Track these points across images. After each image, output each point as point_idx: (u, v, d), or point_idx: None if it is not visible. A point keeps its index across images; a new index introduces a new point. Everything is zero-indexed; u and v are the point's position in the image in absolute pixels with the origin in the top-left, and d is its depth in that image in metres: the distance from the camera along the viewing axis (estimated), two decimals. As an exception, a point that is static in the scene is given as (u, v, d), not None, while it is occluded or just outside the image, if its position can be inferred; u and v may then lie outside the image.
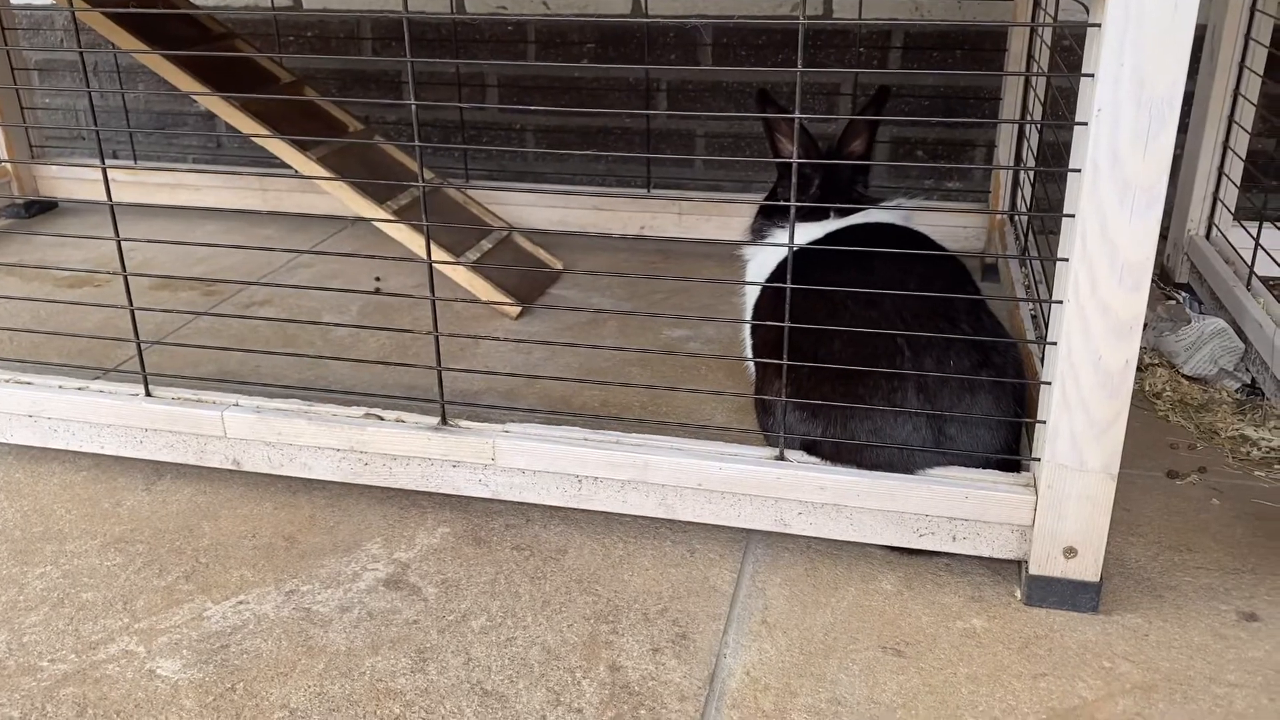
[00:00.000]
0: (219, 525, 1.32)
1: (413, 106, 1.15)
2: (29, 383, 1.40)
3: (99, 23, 1.88)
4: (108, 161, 2.63)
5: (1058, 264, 1.08)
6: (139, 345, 1.36)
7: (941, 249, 1.36)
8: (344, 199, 1.90)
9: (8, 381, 1.40)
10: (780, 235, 1.44)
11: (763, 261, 1.44)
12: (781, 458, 1.20)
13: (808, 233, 1.39)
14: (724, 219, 2.16)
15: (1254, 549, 1.26)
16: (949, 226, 2.06)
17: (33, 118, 2.64)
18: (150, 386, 1.37)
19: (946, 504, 1.16)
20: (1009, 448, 1.22)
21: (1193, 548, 1.26)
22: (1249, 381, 1.59)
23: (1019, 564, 1.19)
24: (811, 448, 1.21)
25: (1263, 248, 1.69)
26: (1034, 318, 1.59)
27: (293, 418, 1.31)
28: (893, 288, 1.22)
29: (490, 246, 1.99)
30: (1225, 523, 1.31)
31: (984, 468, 1.18)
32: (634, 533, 1.29)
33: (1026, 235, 1.79)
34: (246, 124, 1.87)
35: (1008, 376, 1.21)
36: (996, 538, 1.17)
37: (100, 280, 2.10)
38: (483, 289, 1.88)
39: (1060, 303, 1.07)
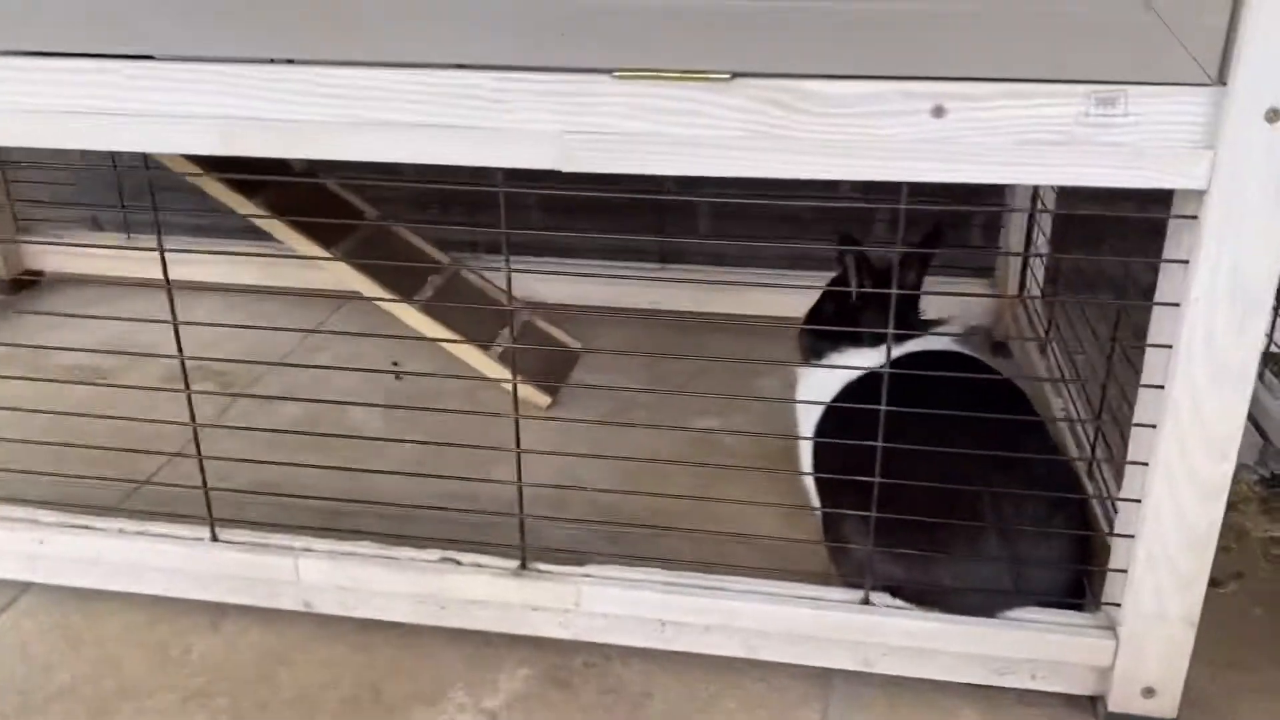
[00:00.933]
0: (297, 673, 1.31)
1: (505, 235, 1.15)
2: (88, 526, 1.37)
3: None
4: (97, 235, 2.57)
5: (1135, 427, 1.13)
6: (206, 490, 1.34)
7: (996, 372, 1.40)
8: (366, 291, 1.88)
9: (66, 526, 1.38)
10: (840, 360, 1.47)
11: (823, 383, 1.46)
12: (867, 601, 1.24)
13: (866, 358, 1.42)
14: (739, 293, 2.18)
15: (1304, 665, 1.32)
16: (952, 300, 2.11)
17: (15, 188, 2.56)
18: (216, 529, 1.35)
19: (1029, 648, 1.20)
20: (1079, 582, 1.27)
21: (1249, 666, 1.32)
22: (1268, 475, 1.66)
23: (1094, 699, 1.24)
24: (892, 585, 1.25)
25: None
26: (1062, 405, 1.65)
27: (368, 564, 1.30)
28: (966, 420, 1.25)
29: (517, 334, 1.99)
30: (1272, 635, 1.37)
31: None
32: (715, 671, 1.31)
33: (1050, 322, 1.84)
34: (275, 226, 1.85)
35: (1074, 506, 1.26)
36: (1075, 677, 1.22)
37: (107, 370, 2.05)
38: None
39: (1144, 465, 1.11)
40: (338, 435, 1.81)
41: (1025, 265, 2.04)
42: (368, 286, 1.87)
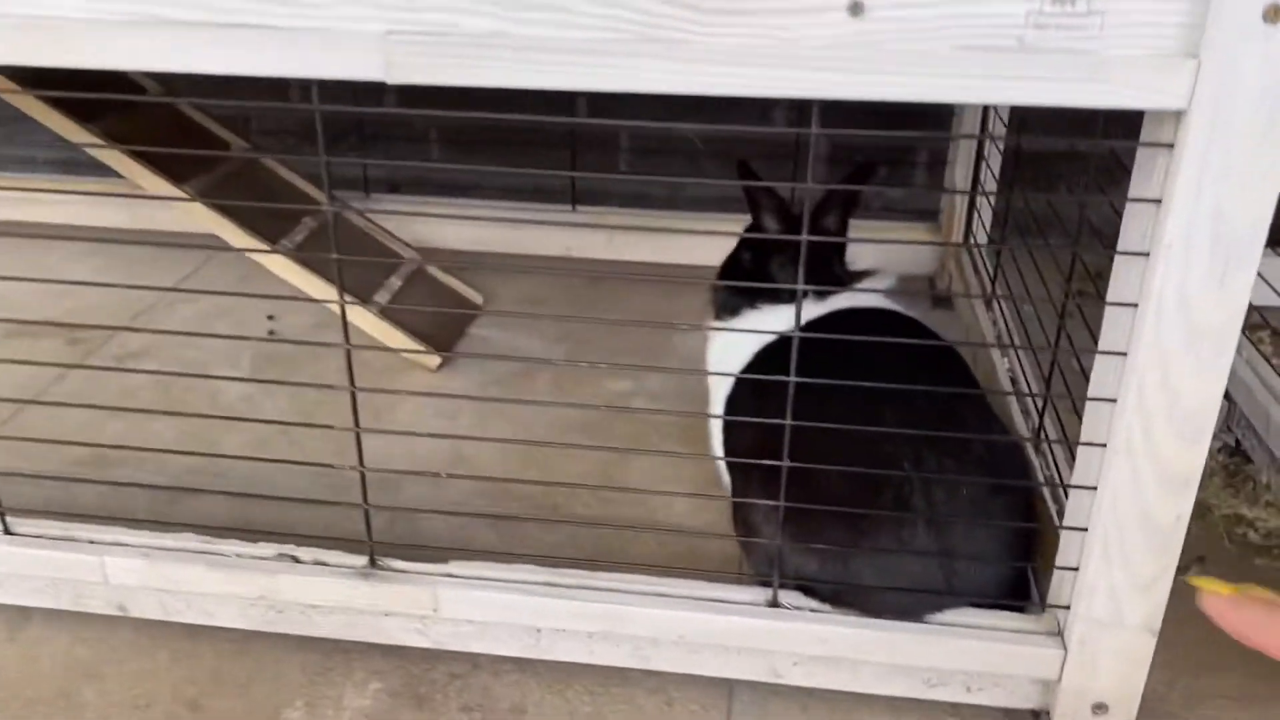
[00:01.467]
0: (105, 689, 1.10)
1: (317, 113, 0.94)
2: None
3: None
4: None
5: (1091, 402, 0.94)
6: (-9, 476, 1.12)
7: (938, 336, 1.21)
8: (231, 240, 1.65)
9: None
10: (756, 318, 1.27)
11: (735, 344, 1.26)
12: (775, 603, 1.05)
13: (783, 318, 1.22)
14: (660, 241, 1.97)
15: (1275, 666, 1.16)
16: (892, 248, 1.93)
17: None
18: (9, 521, 1.13)
19: (962, 658, 1.02)
20: (1022, 580, 1.09)
21: (1213, 666, 1.15)
22: (1233, 443, 1.50)
23: (1037, 714, 1.07)
24: (805, 583, 1.06)
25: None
26: (1010, 376, 1.47)
27: (189, 563, 1.09)
28: (896, 393, 1.06)
29: (400, 284, 1.77)
30: (1237, 631, 1.21)
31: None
32: (601, 682, 1.12)
33: (996, 274, 1.65)
34: (116, 158, 1.60)
35: (1017, 492, 1.08)
36: (1016, 690, 1.04)
37: (-60, 324, 1.80)
38: (397, 338, 1.67)
39: (1101, 446, 0.93)
40: (168, 413, 1.58)
41: (971, 207, 1.84)
42: (228, 230, 1.63)
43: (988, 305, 1.65)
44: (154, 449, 1.36)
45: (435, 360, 1.68)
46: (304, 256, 1.64)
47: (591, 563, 1.09)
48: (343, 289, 0.97)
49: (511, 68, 0.83)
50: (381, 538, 1.10)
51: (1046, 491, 1.15)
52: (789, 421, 0.96)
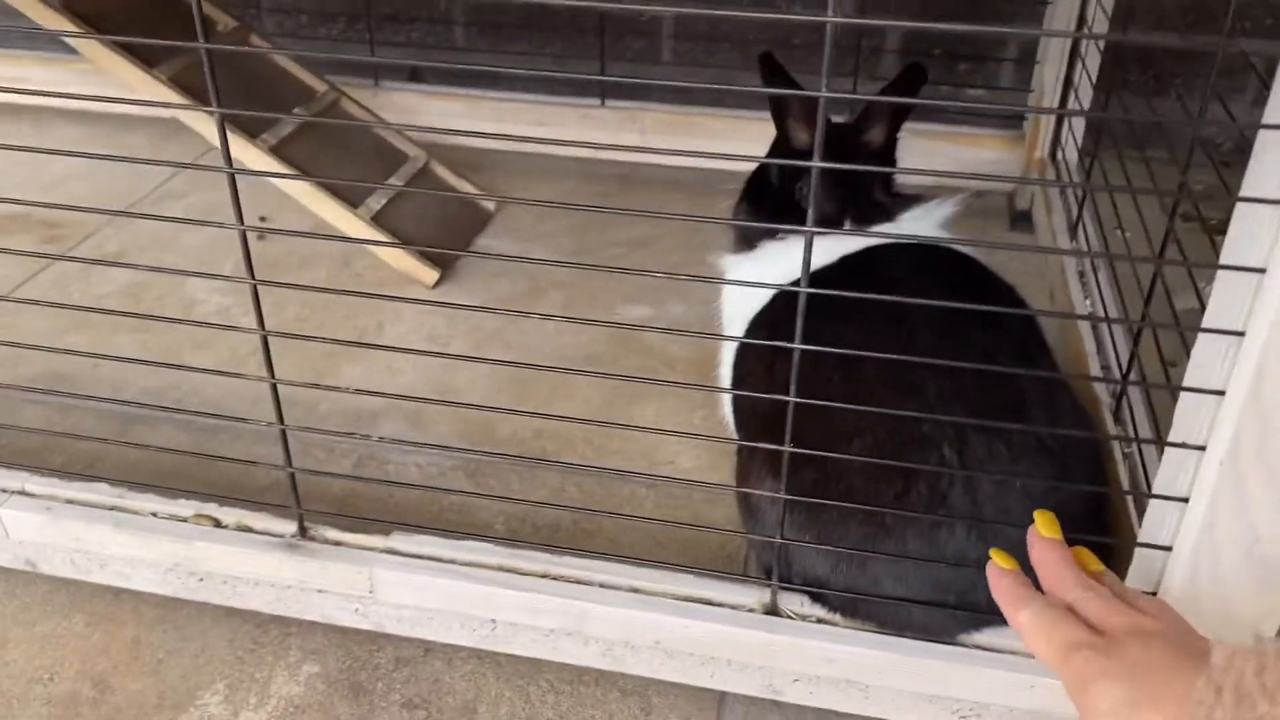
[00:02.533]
0: (6, 656, 0.97)
1: None
2: None
3: None
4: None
5: (1185, 392, 0.72)
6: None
7: (998, 281, 0.98)
8: (205, 133, 1.46)
9: None
10: (777, 252, 1.05)
11: (753, 277, 1.05)
12: (774, 610, 0.86)
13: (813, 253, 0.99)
14: (699, 140, 1.74)
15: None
16: (968, 157, 1.67)
17: None
18: (-98, 459, 0.99)
19: (1003, 693, 0.83)
20: None
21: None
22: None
23: (1092, 756, 0.87)
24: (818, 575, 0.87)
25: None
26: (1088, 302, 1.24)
27: (94, 522, 0.94)
28: (939, 355, 0.84)
29: (402, 184, 1.58)
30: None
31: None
32: (568, 679, 0.95)
33: (1085, 196, 1.39)
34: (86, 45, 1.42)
35: (1086, 490, 0.86)
36: (1067, 730, 0.85)
37: (-88, 215, 1.67)
38: (389, 251, 1.48)
39: (1199, 449, 0.71)
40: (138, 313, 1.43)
41: (1060, 118, 1.57)
42: (203, 123, 1.45)
43: (1072, 232, 1.40)
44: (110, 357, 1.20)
45: (432, 275, 1.49)
46: (287, 147, 1.46)
47: (551, 546, 0.91)
48: (240, 216, 0.78)
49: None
50: (355, 470, 0.93)
51: (1125, 477, 0.93)
52: (792, 399, 0.75)
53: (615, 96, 1.80)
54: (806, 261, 0.71)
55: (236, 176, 0.77)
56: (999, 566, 0.74)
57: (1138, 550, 0.78)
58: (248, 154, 1.43)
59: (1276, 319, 0.63)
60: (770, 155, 1.10)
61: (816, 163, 0.68)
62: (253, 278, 0.79)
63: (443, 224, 1.59)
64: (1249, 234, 0.66)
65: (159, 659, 0.97)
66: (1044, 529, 0.75)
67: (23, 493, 0.97)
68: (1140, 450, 0.92)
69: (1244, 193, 0.66)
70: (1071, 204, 1.43)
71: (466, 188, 1.65)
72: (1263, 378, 0.65)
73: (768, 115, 1.78)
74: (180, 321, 0.90)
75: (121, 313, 0.89)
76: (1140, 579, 0.79)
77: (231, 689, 0.94)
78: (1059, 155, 1.59)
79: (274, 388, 0.84)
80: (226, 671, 0.96)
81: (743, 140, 1.72)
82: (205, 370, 0.86)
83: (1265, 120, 0.63)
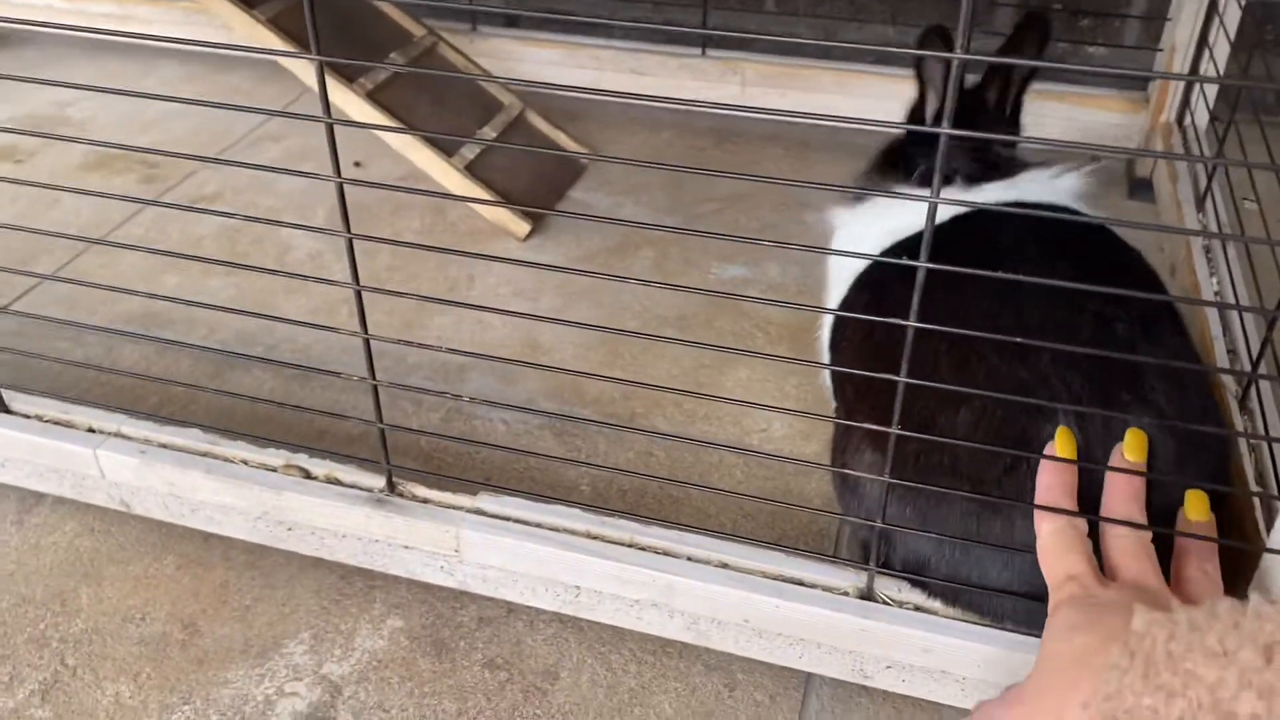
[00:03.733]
0: (101, 593, 0.99)
1: None
2: None
3: None
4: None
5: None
6: (-19, 348, 0.98)
7: (1119, 244, 0.91)
8: (303, 76, 1.46)
9: None
10: (886, 205, 1.00)
11: (860, 239, 1.00)
12: (869, 595, 0.83)
13: (913, 212, 0.94)
14: (801, 94, 1.68)
15: None
16: (1086, 119, 1.58)
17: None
18: (5, 397, 1.01)
19: (1109, 694, 0.78)
20: None
21: None
22: None
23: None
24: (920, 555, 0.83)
25: None
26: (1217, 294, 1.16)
27: (187, 467, 0.94)
28: (1055, 328, 0.80)
29: (495, 135, 1.55)
30: None
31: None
32: (651, 649, 0.94)
33: (1214, 168, 1.31)
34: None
35: (1209, 480, 0.81)
36: (1175, 736, 0.80)
37: (24, 152, 1.70)
38: (481, 199, 1.46)
39: (1350, 452, 0.65)
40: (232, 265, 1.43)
41: (1196, 66, 1.48)
42: (298, 65, 1.44)
43: (1200, 204, 1.32)
44: (204, 304, 1.21)
45: (524, 227, 1.47)
46: (382, 100, 1.44)
47: (639, 516, 0.89)
48: (338, 168, 0.76)
49: None
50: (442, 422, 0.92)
51: (1250, 469, 0.88)
52: (902, 379, 0.71)
53: (716, 45, 1.74)
54: (928, 236, 0.67)
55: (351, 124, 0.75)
56: (1054, 452, 0.75)
57: (1265, 556, 0.73)
58: (345, 99, 1.42)
59: None
60: (906, 118, 1.04)
61: (946, 129, 0.63)
62: (348, 231, 0.78)
63: (536, 175, 1.57)
64: None
65: (246, 605, 0.98)
66: (1130, 451, 0.75)
67: (119, 434, 0.98)
68: (1271, 449, 0.86)
69: None
70: (1200, 173, 1.35)
71: (561, 138, 1.62)
72: None
73: (872, 68, 1.72)
74: (273, 272, 0.88)
75: (216, 260, 0.87)
76: (1268, 587, 0.74)
77: (316, 639, 0.94)
78: (1187, 119, 1.50)
79: (366, 343, 0.82)
80: (311, 621, 0.96)
81: (846, 94, 1.66)
82: (298, 322, 0.84)
83: None
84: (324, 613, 0.97)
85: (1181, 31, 1.47)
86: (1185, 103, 1.50)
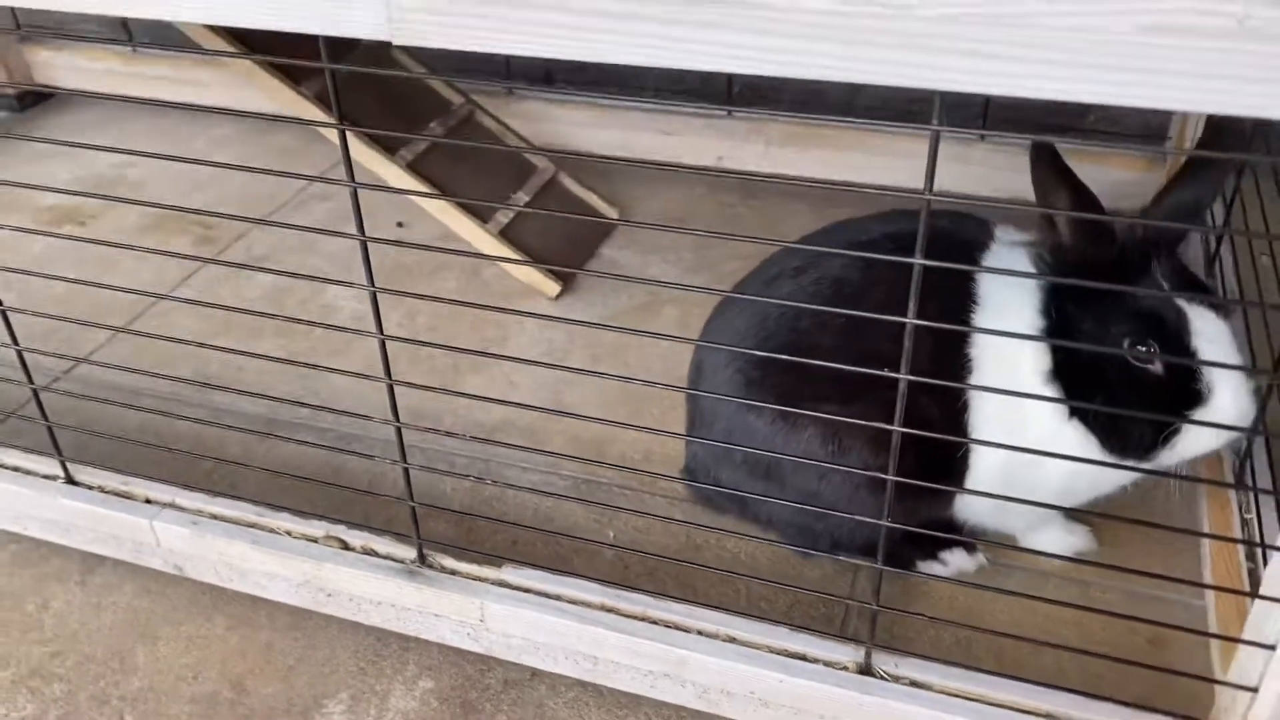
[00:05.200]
0: (157, 653, 1.06)
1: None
2: (-68, 450, 1.14)
3: None
4: (97, 45, 2.26)
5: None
6: (52, 430, 1.06)
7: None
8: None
9: (-94, 448, 1.14)
10: None
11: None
12: (868, 669, 0.88)
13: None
14: (824, 152, 1.74)
15: None
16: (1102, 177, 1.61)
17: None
18: (70, 469, 1.09)
19: (1094, 769, 0.83)
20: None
21: None
22: None
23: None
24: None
25: None
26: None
27: (235, 538, 1.02)
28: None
29: (528, 199, 1.62)
30: None
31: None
32: (666, 714, 0.99)
33: (1226, 222, 1.34)
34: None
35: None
36: (1160, 810, 0.84)
37: (87, 215, 1.80)
38: (515, 264, 1.53)
39: (1310, 554, 0.70)
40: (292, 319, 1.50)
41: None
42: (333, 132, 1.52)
43: (1209, 267, 1.36)
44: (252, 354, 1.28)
45: (554, 287, 1.53)
46: (423, 160, 1.52)
47: (652, 593, 0.94)
48: (361, 227, 0.83)
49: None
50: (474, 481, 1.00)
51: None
52: (898, 428, 0.76)
53: (742, 104, 1.80)
54: (922, 236, 0.72)
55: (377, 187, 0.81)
56: None
57: (1242, 647, 0.77)
58: (387, 170, 1.50)
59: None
60: None
61: (928, 195, 0.68)
62: (372, 285, 0.84)
63: (567, 235, 1.63)
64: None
65: (290, 665, 1.05)
66: None
67: (173, 505, 1.06)
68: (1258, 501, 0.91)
69: None
70: (1210, 235, 1.38)
71: (592, 199, 1.69)
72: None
73: (893, 128, 1.75)
74: (298, 321, 0.98)
75: (252, 311, 0.95)
76: (1241, 672, 0.78)
77: (354, 700, 1.01)
78: (1201, 179, 1.52)
79: (399, 431, 0.89)
80: (350, 681, 1.03)
81: (868, 152, 1.71)
82: (326, 369, 0.92)
83: None
84: (361, 673, 1.04)
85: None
86: (1200, 162, 1.52)
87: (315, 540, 1.01)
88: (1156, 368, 0.89)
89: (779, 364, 0.98)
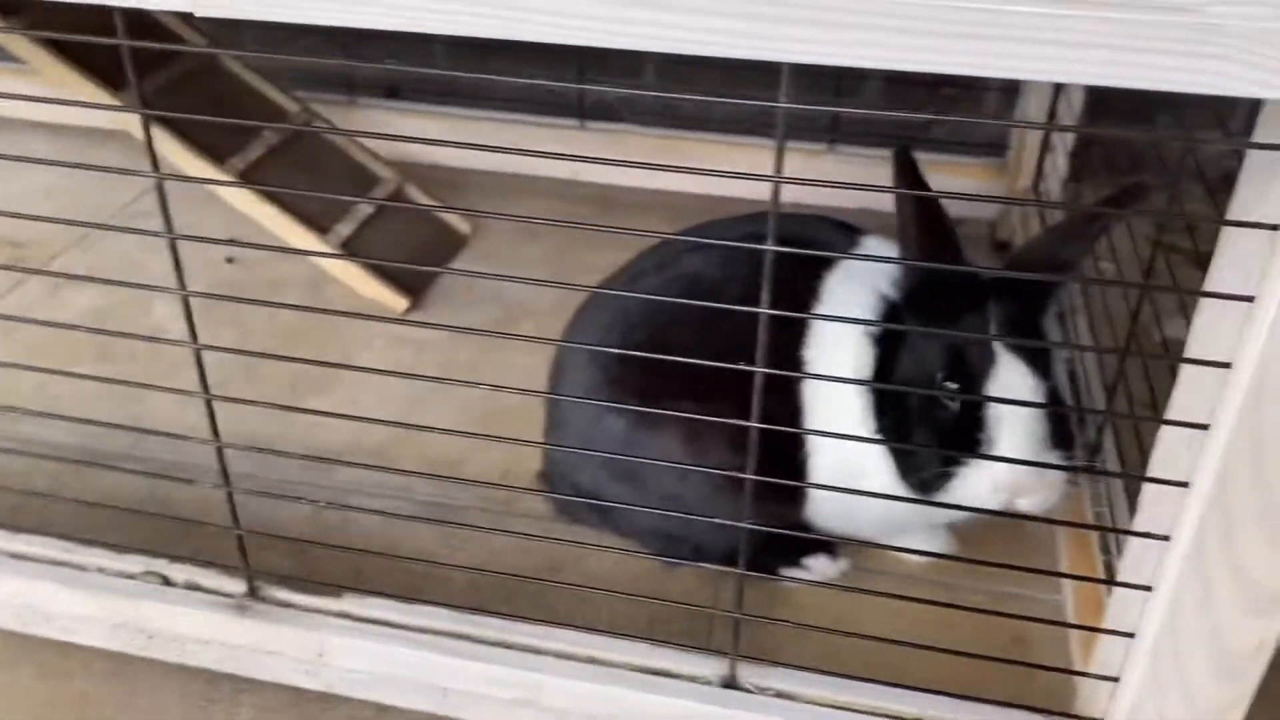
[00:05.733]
0: (-50, 712, 0.95)
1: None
2: None
3: None
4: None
5: (1149, 483, 0.70)
6: None
7: None
8: (173, 157, 1.44)
9: None
10: None
11: None
12: (733, 682, 0.84)
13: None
14: (679, 164, 1.71)
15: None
16: (950, 186, 1.64)
17: None
18: None
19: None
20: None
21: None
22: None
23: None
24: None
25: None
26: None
27: (40, 577, 0.92)
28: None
29: (372, 211, 1.55)
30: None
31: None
32: (528, 745, 0.93)
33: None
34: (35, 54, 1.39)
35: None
36: (1030, 810, 0.83)
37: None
38: (359, 278, 1.46)
39: (1163, 539, 0.69)
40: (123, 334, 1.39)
41: (1045, 143, 1.55)
42: (169, 146, 1.42)
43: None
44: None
45: (401, 302, 1.46)
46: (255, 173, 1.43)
47: (505, 615, 0.89)
48: (169, 224, 0.76)
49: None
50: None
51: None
52: (754, 423, 0.73)
53: (595, 118, 1.77)
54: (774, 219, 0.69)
55: (207, 202, 0.74)
56: None
57: (1103, 636, 0.77)
58: (216, 178, 1.41)
59: (1245, 414, 0.61)
60: None
61: (778, 178, 0.65)
62: (183, 287, 0.77)
63: (414, 250, 1.57)
64: (1212, 324, 0.64)
65: (108, 716, 0.95)
66: None
67: (-34, 546, 0.95)
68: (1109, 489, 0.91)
69: (1231, 215, 0.63)
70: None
71: (443, 212, 1.63)
72: (1227, 474, 0.63)
73: (751, 140, 1.75)
74: (102, 333, 0.88)
75: (66, 325, 0.86)
76: (1102, 662, 0.77)
77: (180, 749, 0.92)
78: (1041, 186, 1.57)
79: (219, 451, 0.82)
80: (176, 730, 0.94)
81: (724, 165, 1.69)
82: (138, 384, 0.84)
83: (1255, 139, 0.60)
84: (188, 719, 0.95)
85: (1034, 102, 1.54)
86: (1040, 169, 1.57)
87: (133, 577, 0.92)
88: (955, 405, 0.88)
89: (639, 363, 0.95)
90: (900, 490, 0.92)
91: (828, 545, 1.07)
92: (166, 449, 1.21)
